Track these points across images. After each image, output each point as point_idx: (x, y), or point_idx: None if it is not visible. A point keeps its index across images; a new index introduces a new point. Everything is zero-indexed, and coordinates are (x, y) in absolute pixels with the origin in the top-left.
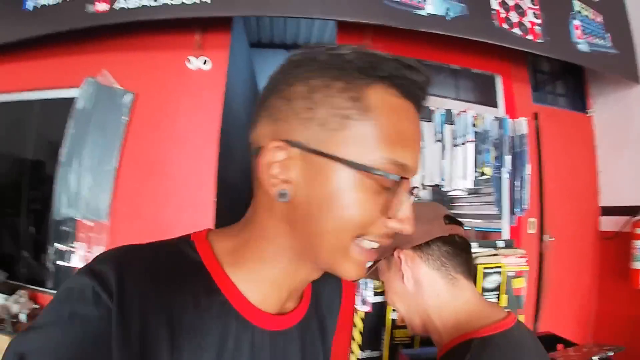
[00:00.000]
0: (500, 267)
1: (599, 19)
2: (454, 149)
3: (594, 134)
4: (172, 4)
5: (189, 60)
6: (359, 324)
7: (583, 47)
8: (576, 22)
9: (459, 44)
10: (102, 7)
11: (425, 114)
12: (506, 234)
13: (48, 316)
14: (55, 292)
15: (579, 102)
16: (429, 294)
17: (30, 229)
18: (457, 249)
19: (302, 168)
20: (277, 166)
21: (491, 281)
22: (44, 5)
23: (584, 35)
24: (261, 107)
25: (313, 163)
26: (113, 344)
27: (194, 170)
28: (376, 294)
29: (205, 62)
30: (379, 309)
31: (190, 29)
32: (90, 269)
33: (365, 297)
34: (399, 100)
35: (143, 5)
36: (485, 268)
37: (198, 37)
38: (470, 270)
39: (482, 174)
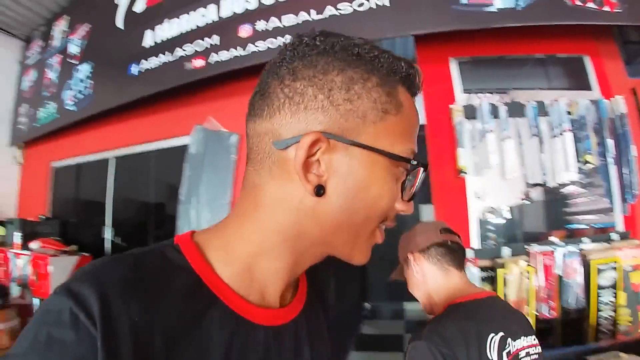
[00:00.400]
0: (615, 261)
1: None
2: (552, 141)
3: None
4: (259, 50)
5: None
6: None
7: None
8: None
9: (537, 32)
10: (198, 63)
11: (517, 109)
12: (621, 226)
13: (25, 342)
14: None
15: None
16: (430, 281)
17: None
18: (448, 249)
19: (340, 160)
20: (315, 160)
21: (606, 278)
22: (147, 69)
23: None
24: (280, 92)
25: (351, 155)
26: None
27: None
28: None
29: None
30: None
31: None
32: (68, 289)
33: None
34: (409, 97)
35: (234, 56)
36: (598, 264)
37: None
38: (461, 264)
39: (586, 162)
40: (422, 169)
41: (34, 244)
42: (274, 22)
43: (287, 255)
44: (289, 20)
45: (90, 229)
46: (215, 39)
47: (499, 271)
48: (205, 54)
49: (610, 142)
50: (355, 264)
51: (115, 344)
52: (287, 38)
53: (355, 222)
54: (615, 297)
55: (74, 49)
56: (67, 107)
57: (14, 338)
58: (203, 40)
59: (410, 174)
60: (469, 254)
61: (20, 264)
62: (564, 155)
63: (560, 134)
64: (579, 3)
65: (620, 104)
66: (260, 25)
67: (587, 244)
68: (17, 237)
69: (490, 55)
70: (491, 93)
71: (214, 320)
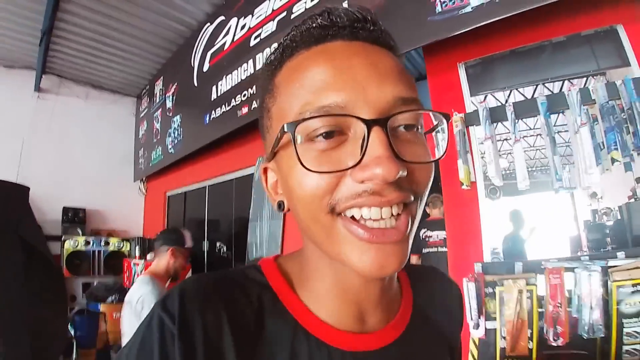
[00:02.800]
0: None
1: None
2: (575, 137)
3: None
4: None
5: None
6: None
7: None
8: None
9: (547, 12)
10: (244, 110)
11: (526, 108)
12: None
13: (129, 343)
14: None
15: None
16: None
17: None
18: None
19: (278, 174)
20: (272, 184)
21: (632, 303)
22: (214, 117)
23: None
24: None
25: (278, 164)
26: None
27: None
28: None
29: None
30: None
31: None
32: (161, 300)
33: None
34: (305, 55)
35: None
36: (620, 286)
37: None
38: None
39: (614, 160)
40: (358, 121)
41: (149, 255)
42: None
43: (329, 275)
44: None
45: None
46: (252, 90)
47: (497, 289)
48: (248, 102)
49: None
50: (362, 274)
51: (190, 341)
52: None
53: (302, 220)
54: None
55: (169, 103)
56: (169, 151)
57: None
58: (247, 90)
59: (327, 135)
60: (477, 267)
61: (138, 270)
62: (582, 154)
63: (579, 130)
64: None
65: None
66: None
67: (616, 261)
68: (137, 251)
69: (500, 51)
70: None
71: (284, 335)
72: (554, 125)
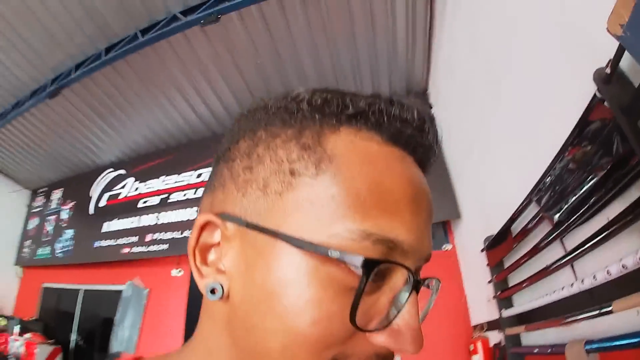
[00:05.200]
0: None
1: None
2: None
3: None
4: (153, 250)
5: (171, 273)
6: None
7: None
8: None
9: None
10: (126, 250)
11: None
12: None
13: None
14: None
15: None
16: None
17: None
18: None
19: (239, 251)
20: (210, 250)
21: None
22: (101, 245)
23: None
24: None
25: (251, 243)
26: None
27: (176, 324)
28: None
29: (180, 271)
30: None
31: (174, 255)
32: None
33: None
34: (380, 147)
35: (142, 251)
36: None
37: (177, 258)
38: None
39: None
40: (407, 272)
41: (27, 335)
42: (160, 235)
43: None
44: (165, 235)
45: (62, 332)
46: (135, 238)
47: None
48: (129, 246)
49: None
50: None
51: None
52: (166, 246)
53: (270, 352)
54: None
55: (64, 215)
56: (57, 254)
57: None
58: (131, 237)
59: (376, 278)
60: None
61: (17, 345)
62: None
63: None
64: None
65: None
66: (156, 235)
67: None
68: (17, 328)
69: None
70: None
71: None
72: None
